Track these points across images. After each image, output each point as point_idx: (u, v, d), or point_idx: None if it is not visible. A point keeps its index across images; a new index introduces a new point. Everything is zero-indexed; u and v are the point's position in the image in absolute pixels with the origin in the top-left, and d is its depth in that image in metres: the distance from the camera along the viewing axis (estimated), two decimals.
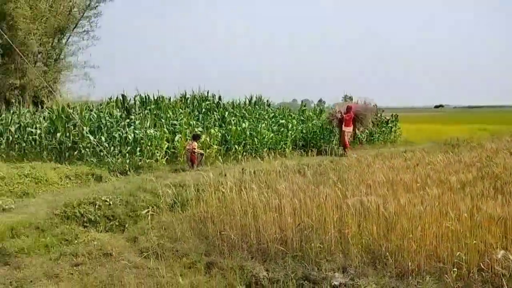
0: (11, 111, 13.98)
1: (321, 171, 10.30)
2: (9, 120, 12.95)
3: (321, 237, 5.87)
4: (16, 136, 12.35)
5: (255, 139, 13.99)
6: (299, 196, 6.73)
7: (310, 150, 13.84)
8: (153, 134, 11.64)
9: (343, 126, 14.78)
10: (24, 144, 12.13)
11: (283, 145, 14.71)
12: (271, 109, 17.36)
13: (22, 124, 12.66)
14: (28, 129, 12.40)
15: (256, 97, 17.40)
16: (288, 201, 6.65)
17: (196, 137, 11.43)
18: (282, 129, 15.39)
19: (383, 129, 18.95)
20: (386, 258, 5.32)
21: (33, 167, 10.09)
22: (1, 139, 12.27)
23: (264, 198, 6.95)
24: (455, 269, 4.61)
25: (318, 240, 5.82)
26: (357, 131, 16.01)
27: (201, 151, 11.35)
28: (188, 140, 11.87)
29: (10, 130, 12.43)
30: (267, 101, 17.74)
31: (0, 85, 15.22)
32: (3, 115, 13.49)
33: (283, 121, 15.96)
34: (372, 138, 18.04)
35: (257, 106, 16.67)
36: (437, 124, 36.63)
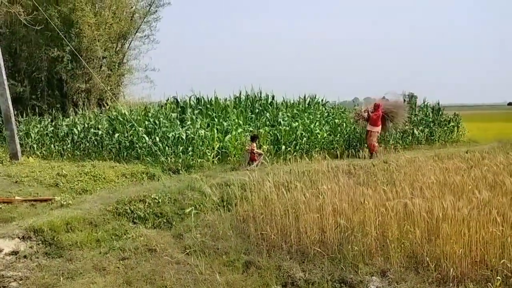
0: (78, 113, 14.96)
1: (371, 172, 10.05)
2: (75, 122, 13.86)
3: (361, 240, 5.74)
4: (81, 136, 13.19)
5: (307, 139, 13.87)
6: (341, 197, 6.62)
7: (363, 150, 13.54)
8: (204, 134, 11.94)
9: (368, 125, 13.44)
10: (87, 144, 12.92)
11: (336, 145, 14.45)
12: (325, 108, 17.11)
13: (86, 125, 13.49)
14: (92, 130, 13.19)
15: (310, 97, 17.24)
16: (329, 202, 6.56)
17: (254, 138, 11.70)
18: (336, 128, 15.11)
19: (444, 128, 17.98)
20: (428, 263, 5.09)
21: (93, 165, 10.75)
22: (67, 139, 13.16)
23: (306, 198, 6.92)
24: (498, 277, 4.30)
25: (357, 243, 5.70)
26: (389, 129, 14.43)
27: (260, 151, 11.60)
28: (245, 141, 12.22)
29: (75, 131, 13.31)
30: (322, 100, 17.50)
31: (68, 89, 16.33)
32: (70, 117, 14.47)
33: (337, 120, 15.66)
34: (432, 137, 17.19)
35: (310, 106, 16.51)
36: (510, 122, 34.12)
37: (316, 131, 14.08)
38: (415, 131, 16.33)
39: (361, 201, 6.39)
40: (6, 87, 11.79)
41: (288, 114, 14.83)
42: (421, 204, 5.83)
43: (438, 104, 18.70)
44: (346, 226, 5.96)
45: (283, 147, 13.00)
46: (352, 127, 15.28)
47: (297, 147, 13.36)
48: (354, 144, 15.03)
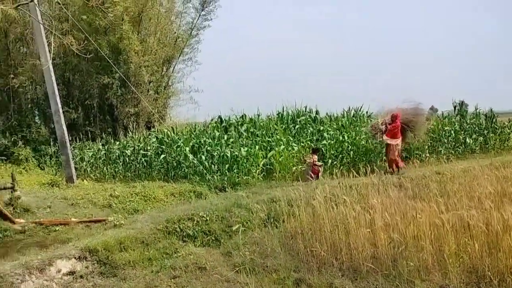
0: (128, 136, 15.53)
1: (423, 184, 9.66)
2: (126, 144, 14.39)
3: (416, 255, 5.49)
4: (131, 158, 13.66)
5: (353, 152, 13.62)
6: (392, 211, 6.39)
7: (413, 162, 13.08)
8: (248, 151, 12.01)
9: (386, 138, 12.07)
10: (137, 165, 13.35)
11: (384, 157, 14.05)
12: (371, 120, 16.74)
13: (136, 147, 13.98)
14: (141, 151, 13.64)
15: (355, 109, 16.98)
16: (380, 216, 6.35)
17: (315, 151, 12.08)
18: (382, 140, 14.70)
19: (499, 135, 17.07)
20: (490, 278, 4.78)
21: (143, 186, 11.07)
22: (119, 161, 13.67)
23: (356, 213, 6.74)
24: None
25: (412, 258, 5.46)
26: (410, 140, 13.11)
27: (321, 163, 11.85)
28: (308, 154, 12.42)
29: (126, 153, 13.81)
30: (367, 112, 17.17)
31: (118, 113, 17.04)
32: (121, 140, 15.05)
33: None
34: (486, 146, 16.36)
35: (355, 118, 16.23)
36: None
37: (362, 144, 13.79)
38: (467, 139, 15.60)
39: (414, 214, 6.14)
40: (61, 114, 12.47)
41: (333, 127, 14.64)
42: (479, 215, 5.51)
43: (491, 111, 17.83)
44: (400, 241, 5.72)
45: (329, 161, 12.81)
46: (417, 134, 14.77)
47: (343, 161, 13.12)
48: (403, 155, 14.58)
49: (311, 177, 11.19)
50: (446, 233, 5.65)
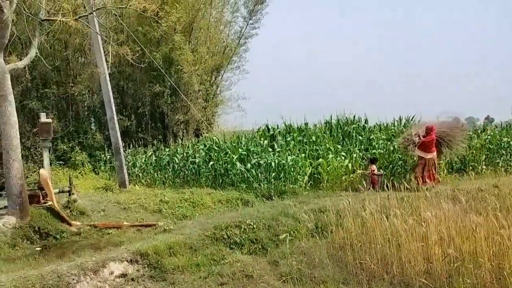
0: (177, 143, 15.91)
1: (480, 197, 9.19)
2: (175, 151, 14.74)
3: (473, 271, 5.21)
4: (180, 165, 13.97)
5: (404, 162, 13.20)
6: (447, 225, 6.11)
7: (468, 174, 12.53)
8: (295, 160, 11.94)
9: (419, 151, 11.44)
10: (186, 172, 13.63)
11: (438, 169, 13.52)
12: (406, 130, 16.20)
13: (185, 154, 14.28)
14: (190, 159, 13.92)
15: (406, 118, 16.48)
16: (434, 230, 6.09)
17: (373, 160, 12.07)
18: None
19: None
20: None
21: (192, 192, 11.29)
22: (168, 168, 14.02)
23: (408, 226, 6.51)
24: None
25: (469, 275, 5.18)
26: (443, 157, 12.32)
27: (380, 172, 11.86)
28: (364, 164, 12.53)
29: (175, 160, 14.14)
30: (419, 121, 16.61)
31: (169, 121, 17.50)
32: (171, 147, 15.44)
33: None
34: None
35: (405, 127, 15.74)
36: None
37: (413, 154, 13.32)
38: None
39: (472, 228, 5.84)
40: (116, 121, 13.00)
41: (383, 136, 14.27)
42: None
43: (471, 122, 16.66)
44: (456, 257, 5.46)
45: (380, 170, 12.49)
46: (455, 149, 14.22)
47: (394, 171, 12.75)
48: (458, 167, 13.99)
49: (370, 188, 10.95)
50: (506, 250, 5.33)
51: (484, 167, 14.02)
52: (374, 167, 11.71)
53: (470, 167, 13.91)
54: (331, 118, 15.55)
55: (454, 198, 9.59)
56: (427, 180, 11.13)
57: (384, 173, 12.14)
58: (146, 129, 17.67)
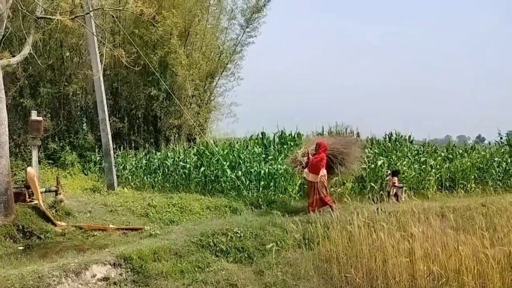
0: (169, 147, 15.84)
1: (468, 216, 9.22)
2: (166, 155, 14.67)
3: None
4: (171, 169, 13.89)
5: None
6: (434, 241, 6.11)
7: (457, 192, 12.60)
8: (286, 169, 11.92)
9: (307, 173, 9.94)
10: (176, 177, 13.54)
11: (426, 185, 13.60)
12: (414, 146, 16.30)
13: (176, 159, 14.21)
14: (181, 163, 13.84)
15: (396, 134, 16.57)
16: (420, 246, 6.09)
17: (396, 173, 11.93)
18: (425, 167, 14.26)
19: None
20: None
21: (180, 197, 11.21)
22: (159, 172, 13.93)
23: (394, 240, 6.51)
24: None
25: None
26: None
27: (401, 185, 11.78)
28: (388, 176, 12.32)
29: (166, 164, 14.06)
30: (409, 137, 16.73)
31: (161, 125, 17.44)
32: (162, 151, 15.36)
33: (427, 158, 14.82)
34: None
35: (397, 143, 15.83)
36: None
37: (405, 170, 13.39)
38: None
39: (456, 246, 5.84)
40: (108, 123, 12.93)
41: (375, 151, 14.32)
42: None
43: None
44: (440, 274, 5.45)
45: (369, 185, 12.51)
46: (446, 166, 14.35)
47: (383, 186, 12.77)
48: (447, 184, 14.08)
49: (392, 199, 11.03)
50: (490, 269, 5.34)
51: (473, 185, 14.11)
52: (395, 179, 11.69)
53: (460, 185, 13.99)
54: (323, 129, 15.57)
55: (442, 215, 9.62)
56: (328, 201, 9.72)
57: (405, 187, 12.11)
58: (138, 131, 17.59)
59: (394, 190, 11.42)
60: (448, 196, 12.76)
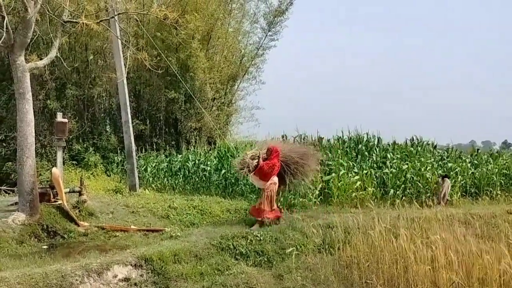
0: (189, 150, 15.97)
1: (493, 223, 9.00)
2: (187, 158, 14.79)
3: None
4: (191, 171, 14.00)
5: (418, 183, 13.04)
6: (457, 249, 5.98)
7: (482, 199, 12.35)
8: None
9: (254, 179, 9.16)
10: (197, 179, 13.64)
11: (451, 191, 13.32)
12: (437, 151, 16.00)
13: (197, 161, 14.31)
14: (201, 166, 13.94)
15: (418, 139, 16.30)
16: (443, 253, 5.96)
17: (445, 177, 12.65)
18: (450, 173, 13.98)
19: None
20: None
21: (201, 200, 11.27)
22: (179, 174, 14.06)
23: (416, 247, 6.39)
24: None
25: None
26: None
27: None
28: (438, 180, 12.97)
29: (187, 166, 14.18)
30: (432, 142, 16.43)
31: (182, 127, 17.62)
32: (183, 153, 15.49)
33: (452, 164, 14.53)
34: None
35: (419, 148, 15.56)
36: None
37: (428, 175, 13.16)
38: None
39: (480, 255, 5.70)
40: (130, 125, 13.11)
41: (397, 156, 14.11)
42: None
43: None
44: (463, 283, 5.32)
45: (391, 190, 12.34)
46: (470, 172, 14.03)
47: (406, 192, 12.58)
48: (472, 191, 13.77)
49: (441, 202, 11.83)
50: None
51: (499, 192, 13.76)
52: (448, 182, 12.38)
53: (485, 192, 13.68)
54: (342, 134, 15.42)
55: (466, 222, 9.41)
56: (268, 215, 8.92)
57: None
58: (160, 134, 17.81)
59: (446, 194, 12.18)
60: (472, 203, 12.50)
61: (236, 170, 10.11)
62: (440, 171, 13.85)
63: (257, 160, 9.09)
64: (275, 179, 8.99)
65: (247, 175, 9.21)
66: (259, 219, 8.85)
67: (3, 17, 7.99)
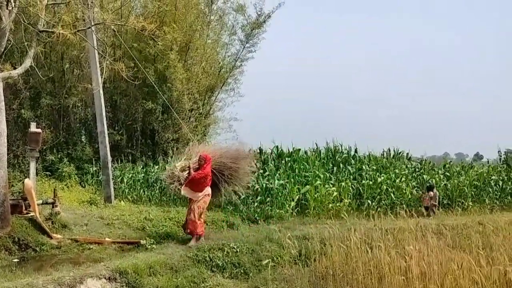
0: (166, 161, 15.84)
1: (465, 234, 9.22)
2: (164, 169, 14.64)
3: None
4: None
5: (392, 195, 13.30)
6: (430, 260, 6.11)
7: (454, 210, 12.68)
8: (283, 185, 11.94)
9: (187, 190, 8.55)
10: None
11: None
12: (411, 163, 16.38)
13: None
14: None
15: (394, 150, 16.66)
16: (416, 264, 6.09)
17: (431, 188, 13.07)
18: (424, 184, 14.30)
19: None
20: None
21: (177, 211, 11.18)
22: (156, 185, 13.91)
23: (391, 258, 6.50)
24: None
25: None
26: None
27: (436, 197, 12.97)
28: (422, 192, 13.51)
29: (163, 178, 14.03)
30: (407, 154, 16.82)
31: (159, 138, 17.46)
32: (160, 165, 15.36)
33: (426, 176, 14.89)
34: None
35: (394, 160, 15.90)
36: None
37: (403, 187, 13.44)
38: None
39: (452, 265, 5.84)
40: (106, 136, 12.96)
41: (373, 167, 14.37)
42: None
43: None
44: None
45: (367, 202, 12.54)
46: (443, 184, 14.38)
47: (381, 203, 12.80)
48: (444, 202, 14.10)
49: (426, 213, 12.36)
50: None
51: (470, 203, 14.12)
52: (431, 193, 12.81)
53: (457, 203, 14.02)
54: (317, 145, 15.63)
55: (439, 233, 9.63)
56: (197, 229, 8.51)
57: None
58: (136, 145, 17.59)
59: (431, 204, 12.70)
60: (445, 214, 12.77)
61: (165, 185, 9.52)
62: (414, 183, 14.16)
63: (187, 172, 8.57)
64: (208, 190, 8.58)
65: (178, 189, 8.62)
66: (196, 233, 8.50)
67: None
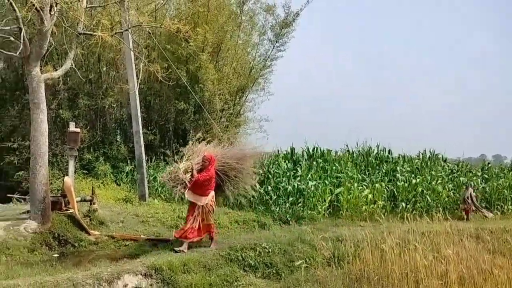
0: None
1: (504, 238, 8.91)
2: None
3: None
4: None
5: (428, 197, 12.99)
6: (468, 264, 5.93)
7: (493, 213, 12.24)
8: (315, 186, 11.86)
9: (190, 194, 8.00)
10: None
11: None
12: (448, 165, 15.94)
13: None
14: None
15: (430, 152, 16.26)
16: (455, 268, 5.92)
17: (467, 187, 13.01)
18: (461, 187, 13.90)
19: None
20: None
21: None
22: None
23: (427, 262, 6.35)
24: None
25: None
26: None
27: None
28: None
29: None
30: (442, 156, 16.38)
31: (191, 138, 17.61)
32: None
33: (463, 178, 14.47)
34: None
35: (430, 161, 15.51)
36: None
37: (438, 189, 13.10)
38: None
39: (491, 270, 5.66)
40: (141, 135, 13.25)
41: (408, 168, 14.08)
42: None
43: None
44: None
45: (401, 204, 12.29)
46: (481, 187, 13.94)
47: (416, 205, 12.52)
48: (483, 205, 13.66)
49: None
50: None
51: (510, 207, 13.63)
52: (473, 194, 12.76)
53: (496, 206, 13.56)
54: (347, 146, 15.45)
55: (477, 237, 9.34)
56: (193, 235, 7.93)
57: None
58: (168, 144, 17.86)
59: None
60: (483, 218, 12.38)
61: (168, 188, 8.97)
62: (450, 185, 13.80)
63: (191, 174, 7.98)
64: (212, 193, 8.10)
65: (182, 193, 8.07)
66: (213, 236, 8.17)
67: (20, 29, 8.18)
